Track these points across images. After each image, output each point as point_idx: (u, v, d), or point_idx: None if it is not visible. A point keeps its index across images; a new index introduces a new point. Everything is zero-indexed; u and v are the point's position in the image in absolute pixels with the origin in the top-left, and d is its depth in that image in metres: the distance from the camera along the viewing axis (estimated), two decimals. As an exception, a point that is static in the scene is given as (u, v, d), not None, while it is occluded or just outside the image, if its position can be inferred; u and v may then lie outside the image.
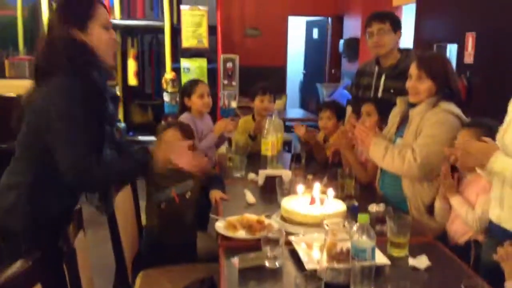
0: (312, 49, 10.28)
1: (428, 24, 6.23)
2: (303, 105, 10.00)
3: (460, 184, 1.98)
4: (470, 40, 5.17)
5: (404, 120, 2.31)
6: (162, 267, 2.27)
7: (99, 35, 1.73)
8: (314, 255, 1.68)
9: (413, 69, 2.20)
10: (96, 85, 1.68)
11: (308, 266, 1.58)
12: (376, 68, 2.91)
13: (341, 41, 8.35)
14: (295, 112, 8.12)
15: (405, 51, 2.91)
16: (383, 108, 2.52)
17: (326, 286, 1.37)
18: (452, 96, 2.14)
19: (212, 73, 6.94)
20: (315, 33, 10.16)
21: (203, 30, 6.49)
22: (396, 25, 2.86)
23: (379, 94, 2.85)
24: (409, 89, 2.22)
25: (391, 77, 2.81)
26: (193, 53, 5.74)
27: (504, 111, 1.88)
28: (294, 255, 1.71)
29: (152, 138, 4.36)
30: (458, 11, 5.34)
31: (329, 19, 9.71)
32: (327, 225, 1.53)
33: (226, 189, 2.48)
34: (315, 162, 3.03)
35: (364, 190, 2.41)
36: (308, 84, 10.10)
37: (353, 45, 8.00)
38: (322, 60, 10.01)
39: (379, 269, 1.55)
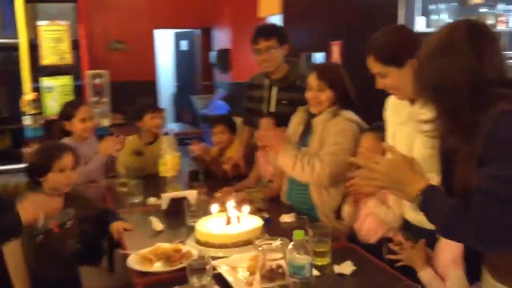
0: (183, 61, 10.22)
1: (295, 34, 6.52)
2: (178, 118, 9.88)
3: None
4: (335, 49, 5.56)
5: (306, 129, 2.35)
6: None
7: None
8: (240, 277, 1.62)
9: (313, 80, 2.25)
10: None
11: (241, 290, 1.51)
12: (267, 81, 2.93)
13: (213, 53, 8.42)
14: (171, 126, 7.98)
15: (292, 61, 2.97)
16: (280, 120, 2.54)
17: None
18: (350, 104, 2.24)
19: (79, 91, 6.52)
20: (184, 45, 10.11)
21: (65, 46, 6.06)
22: (282, 40, 2.85)
23: (272, 106, 2.87)
24: (310, 99, 2.26)
25: (283, 89, 2.85)
26: (55, 71, 5.32)
27: (373, 115, 2.08)
28: (221, 280, 1.63)
29: (13, 166, 3.90)
30: (323, 22, 5.69)
31: (197, 30, 9.72)
32: (260, 246, 1.48)
33: (125, 219, 2.30)
34: (213, 177, 2.97)
35: (271, 202, 2.42)
36: (182, 97, 10.00)
37: (225, 56, 8.11)
38: (193, 72, 9.98)
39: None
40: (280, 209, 2.30)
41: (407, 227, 1.85)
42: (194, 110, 8.60)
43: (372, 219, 2.02)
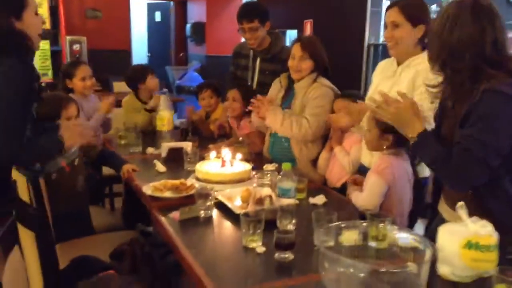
0: (156, 32, 10.37)
1: (270, 12, 6.92)
2: (151, 88, 10.06)
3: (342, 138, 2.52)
4: (308, 26, 5.97)
5: (286, 94, 2.77)
6: (74, 240, 2.36)
7: (32, 21, 1.85)
8: (236, 204, 2.04)
9: (296, 51, 2.63)
10: (33, 66, 1.79)
11: (237, 211, 1.93)
12: (251, 52, 3.30)
13: (188, 25, 8.65)
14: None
15: (274, 33, 3.33)
16: (261, 91, 2.94)
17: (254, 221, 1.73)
18: (326, 73, 2.66)
19: (57, 56, 6.67)
20: (158, 16, 10.25)
21: (44, 11, 6.23)
22: (264, 19, 3.18)
23: (256, 76, 3.26)
24: (291, 67, 2.66)
25: (266, 60, 3.23)
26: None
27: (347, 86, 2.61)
28: (220, 206, 2.04)
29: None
30: (297, 1, 6.08)
31: (171, 3, 9.89)
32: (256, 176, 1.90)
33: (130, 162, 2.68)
34: (201, 135, 3.35)
35: (255, 156, 2.83)
36: (154, 67, 10.14)
37: (200, 29, 8.37)
38: (167, 43, 10.17)
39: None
40: (263, 161, 2.71)
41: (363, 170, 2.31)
42: (168, 80, 8.85)
43: (338, 167, 2.47)
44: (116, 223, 2.73)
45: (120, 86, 5.25)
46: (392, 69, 2.25)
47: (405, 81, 2.14)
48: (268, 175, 1.89)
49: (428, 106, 1.88)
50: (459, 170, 1.57)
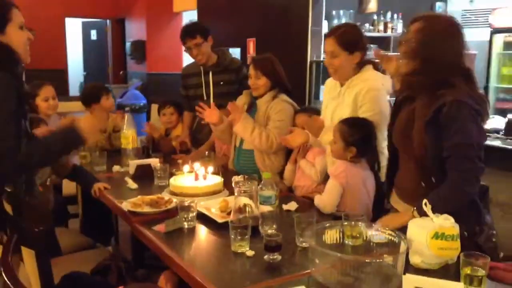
0: (92, 50, 10.23)
1: (212, 30, 7.08)
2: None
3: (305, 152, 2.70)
4: (251, 45, 6.19)
5: (249, 108, 2.93)
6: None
7: (16, 36, 1.88)
8: (216, 214, 2.15)
9: (251, 70, 2.82)
10: (20, 81, 1.83)
11: (220, 220, 2.05)
12: (201, 69, 3.46)
13: (128, 44, 8.63)
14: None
15: (220, 50, 3.54)
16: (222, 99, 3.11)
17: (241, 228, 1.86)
18: (286, 89, 2.85)
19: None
20: (94, 35, 10.13)
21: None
22: (205, 34, 3.38)
23: (211, 89, 3.41)
24: (251, 85, 2.84)
25: (217, 73, 3.42)
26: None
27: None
28: (200, 217, 2.14)
29: None
30: (239, 20, 6.29)
31: (108, 21, 9.82)
32: (238, 185, 2.03)
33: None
34: (161, 152, 3.42)
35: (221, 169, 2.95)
36: (91, 86, 10.01)
37: (140, 47, 8.39)
38: (103, 62, 10.06)
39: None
40: (230, 174, 2.84)
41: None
42: (108, 99, 8.73)
43: (305, 177, 2.64)
44: (81, 243, 2.74)
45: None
46: (336, 90, 2.47)
47: (348, 101, 2.37)
48: (249, 183, 2.03)
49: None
50: (466, 178, 1.77)
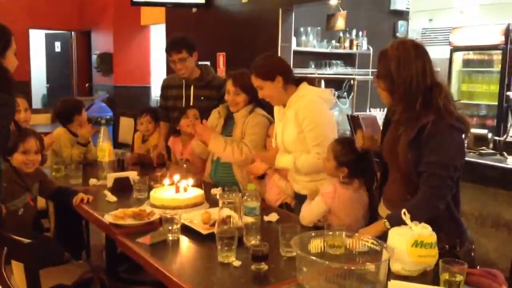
0: (55, 62, 10.06)
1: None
2: (53, 119, 9.68)
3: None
4: (221, 59, 6.26)
5: (225, 123, 2.98)
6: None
7: (11, 60, 2.03)
8: (199, 226, 2.18)
9: (229, 86, 2.87)
10: (13, 98, 1.87)
11: (204, 232, 2.08)
12: (183, 82, 3.47)
13: (94, 56, 8.55)
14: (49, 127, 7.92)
15: (203, 65, 3.58)
16: (201, 114, 3.15)
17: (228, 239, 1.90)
18: (261, 103, 2.91)
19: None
20: (57, 47, 9.98)
21: None
22: (191, 49, 3.40)
23: (191, 102, 3.44)
24: (228, 101, 2.90)
25: (199, 87, 3.44)
26: None
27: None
28: (183, 229, 2.16)
29: None
30: (208, 35, 6.35)
31: (73, 33, 9.70)
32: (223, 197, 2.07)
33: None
34: (142, 165, 3.41)
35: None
36: (53, 98, 9.83)
37: (107, 59, 8.32)
38: (67, 74, 9.90)
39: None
40: (209, 186, 2.87)
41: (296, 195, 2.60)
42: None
43: (276, 190, 2.70)
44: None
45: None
46: (281, 112, 2.63)
47: (291, 119, 2.50)
48: (233, 195, 2.07)
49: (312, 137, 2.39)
50: (435, 193, 1.88)
